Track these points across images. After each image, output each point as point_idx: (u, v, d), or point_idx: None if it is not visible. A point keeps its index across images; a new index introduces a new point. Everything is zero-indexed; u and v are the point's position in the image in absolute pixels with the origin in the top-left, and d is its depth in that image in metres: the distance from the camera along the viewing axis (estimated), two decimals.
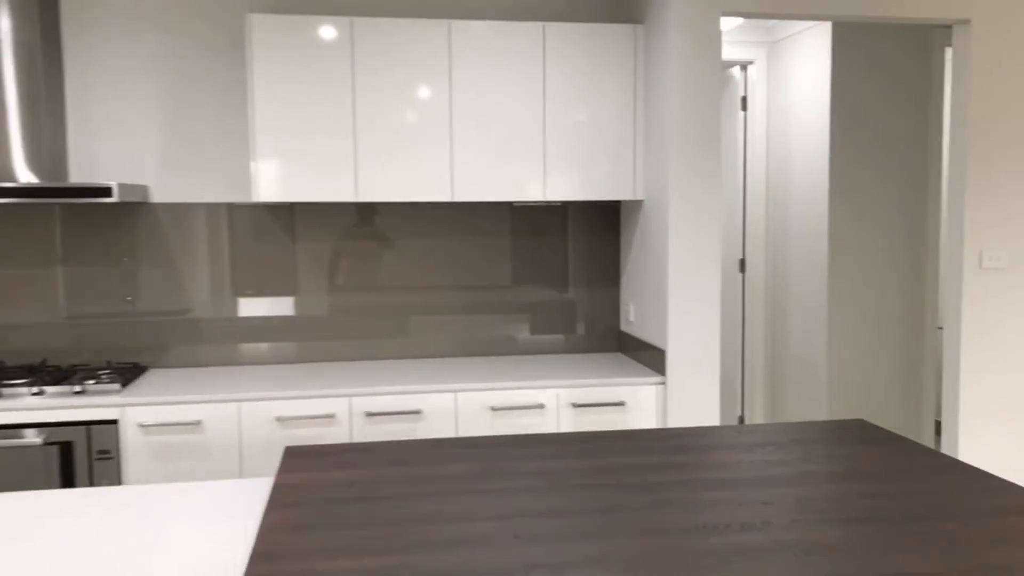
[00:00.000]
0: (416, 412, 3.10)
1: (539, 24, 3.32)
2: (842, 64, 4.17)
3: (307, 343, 3.60)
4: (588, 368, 3.42)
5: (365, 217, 3.61)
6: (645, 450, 2.04)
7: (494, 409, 3.14)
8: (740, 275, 4.92)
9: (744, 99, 4.80)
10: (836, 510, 1.63)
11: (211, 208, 3.50)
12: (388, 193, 3.26)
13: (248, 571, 1.39)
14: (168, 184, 3.48)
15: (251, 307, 3.55)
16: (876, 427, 2.25)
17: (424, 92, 3.26)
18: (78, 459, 2.95)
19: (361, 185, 3.24)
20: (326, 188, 3.22)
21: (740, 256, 4.91)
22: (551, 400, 3.18)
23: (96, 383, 3.07)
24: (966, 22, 3.36)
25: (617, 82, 3.39)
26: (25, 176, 3.16)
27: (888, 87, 4.20)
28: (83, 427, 2.95)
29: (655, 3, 3.29)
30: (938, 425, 4.62)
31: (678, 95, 3.16)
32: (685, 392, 3.23)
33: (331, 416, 3.05)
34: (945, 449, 3.55)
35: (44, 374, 3.20)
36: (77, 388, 3.03)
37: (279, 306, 3.57)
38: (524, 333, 3.75)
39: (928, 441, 4.39)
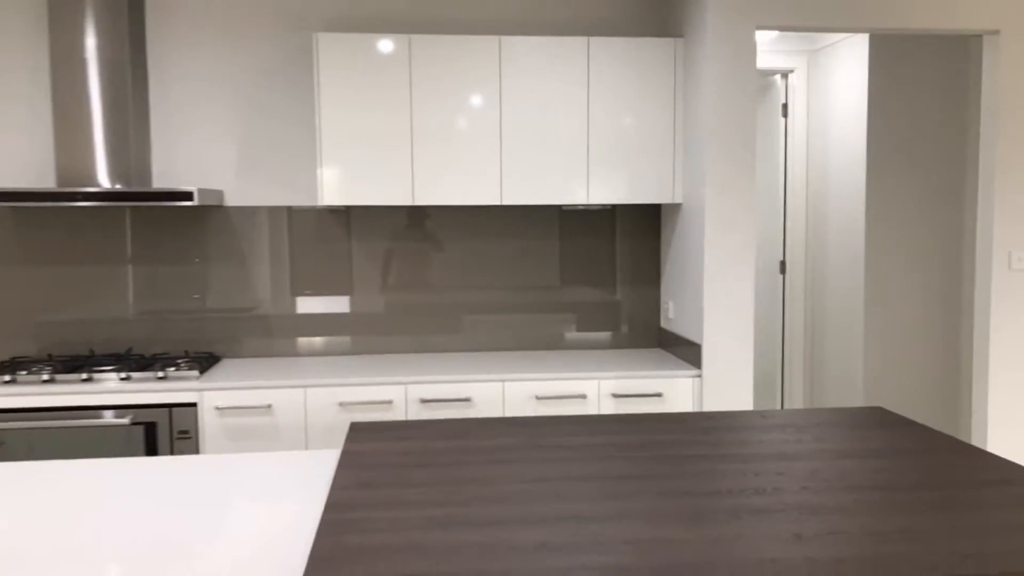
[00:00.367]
0: (466, 399, 3.34)
1: (584, 39, 3.55)
2: (879, 72, 4.30)
3: (364, 337, 3.87)
4: (628, 362, 3.62)
5: (417, 220, 3.87)
6: (675, 429, 2.24)
7: (539, 398, 3.37)
8: (780, 276, 5.07)
9: (785, 106, 4.96)
10: (842, 480, 1.82)
11: (275, 211, 3.79)
12: (442, 197, 3.51)
13: (323, 518, 1.63)
14: (240, 188, 3.78)
15: (312, 304, 3.83)
16: (893, 414, 2.42)
17: (476, 102, 3.51)
18: (161, 438, 3.24)
19: (417, 189, 3.50)
20: (385, 192, 3.49)
21: (780, 258, 5.06)
22: (592, 390, 3.39)
23: (176, 370, 3.37)
24: (995, 32, 3.49)
25: (658, 92, 3.60)
26: (106, 182, 3.48)
27: (925, 94, 4.33)
28: (165, 409, 3.25)
29: (694, 18, 3.48)
30: None
31: (714, 105, 3.36)
32: (720, 384, 3.42)
33: (388, 402, 3.31)
34: (974, 442, 3.67)
35: (130, 361, 3.51)
36: (160, 374, 3.33)
37: (337, 303, 3.85)
38: (569, 330, 3.97)
39: (964, 438, 4.49)
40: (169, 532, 1.70)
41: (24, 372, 3.32)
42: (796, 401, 5.01)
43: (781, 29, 3.44)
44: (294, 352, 3.85)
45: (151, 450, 3.25)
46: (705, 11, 3.35)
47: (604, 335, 3.99)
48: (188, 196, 3.31)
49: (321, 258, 3.84)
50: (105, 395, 3.23)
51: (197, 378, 3.33)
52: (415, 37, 3.46)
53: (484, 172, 3.53)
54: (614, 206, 3.96)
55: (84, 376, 3.31)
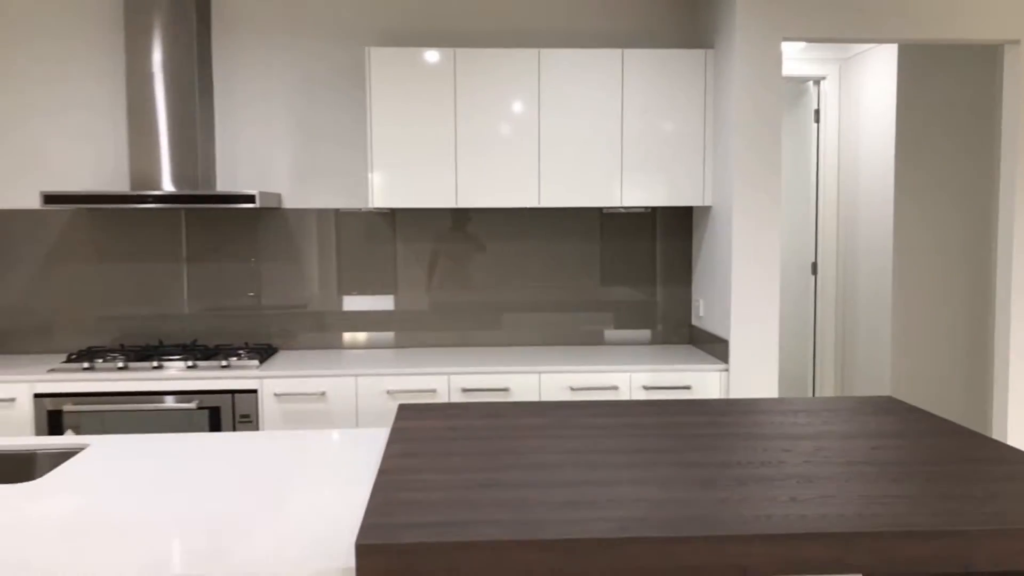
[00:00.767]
0: (505, 389, 3.57)
1: (619, 51, 3.76)
2: (908, 80, 4.44)
3: (408, 332, 4.12)
4: (660, 357, 3.82)
5: (460, 222, 4.11)
6: (695, 412, 2.44)
7: (573, 389, 3.58)
8: (812, 277, 5.22)
9: (817, 112, 5.11)
10: (842, 456, 2.01)
11: (323, 214, 4.06)
12: (483, 200, 3.74)
13: (377, 479, 1.86)
14: (295, 192, 4.06)
15: (358, 302, 4.09)
16: (903, 403, 2.58)
17: (516, 111, 3.74)
18: (224, 421, 3.52)
19: (460, 192, 3.74)
20: (431, 195, 3.73)
21: (812, 259, 5.21)
22: (624, 382, 3.59)
23: (238, 359, 3.65)
24: (1016, 42, 3.62)
25: (689, 100, 3.79)
26: (169, 186, 3.77)
27: (954, 102, 4.46)
28: (228, 395, 3.52)
29: (723, 30, 3.68)
30: None
31: (742, 112, 3.54)
32: (746, 378, 3.60)
33: (432, 391, 3.55)
34: (995, 436, 3.80)
35: (195, 351, 3.80)
36: (223, 363, 3.61)
37: (383, 301, 4.10)
38: (606, 327, 4.17)
39: (990, 434, 4.59)
40: (248, 489, 1.95)
41: (100, 360, 3.63)
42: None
43: (806, 40, 3.61)
44: (343, 346, 4.11)
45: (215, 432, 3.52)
46: (733, 23, 3.54)
47: (639, 332, 4.19)
48: (251, 199, 3.59)
49: (368, 259, 4.10)
50: (173, 382, 3.51)
51: (257, 367, 3.61)
52: (459, 50, 3.70)
53: (523, 176, 3.76)
54: (654, 209, 4.16)
55: (154, 364, 3.60)
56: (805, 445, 2.10)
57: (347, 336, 4.11)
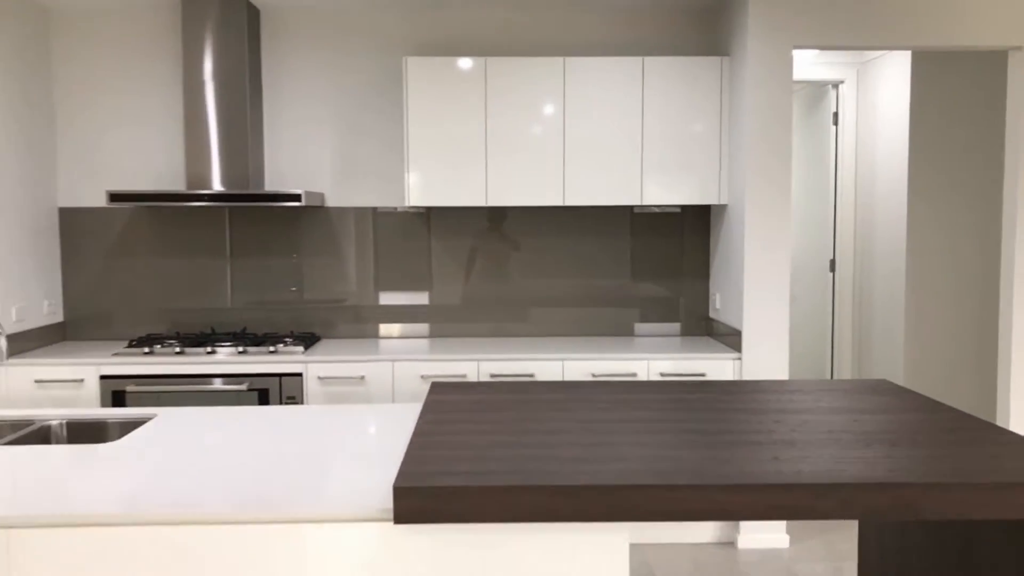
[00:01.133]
0: (530, 375, 3.83)
1: (639, 58, 4.00)
2: (921, 85, 4.63)
3: (441, 324, 4.40)
4: (678, 347, 4.05)
5: (494, 220, 4.38)
6: (700, 391, 2.68)
7: (594, 375, 3.83)
8: (830, 274, 5.40)
9: (835, 115, 5.30)
10: (825, 427, 2.24)
11: (361, 212, 4.36)
12: (511, 198, 4.01)
13: (411, 442, 2.13)
14: (336, 192, 4.36)
15: (394, 297, 4.38)
16: (897, 385, 2.80)
17: (542, 115, 4.00)
18: (272, 402, 3.82)
19: (490, 192, 4.01)
20: (462, 194, 4.01)
21: (831, 257, 5.40)
22: (643, 369, 3.83)
23: (284, 346, 3.95)
24: (1019, 48, 3.80)
25: (706, 105, 4.02)
26: (218, 186, 4.08)
27: (967, 104, 4.63)
28: (276, 378, 3.82)
29: (738, 39, 3.90)
30: None
31: (755, 116, 3.77)
32: (758, 366, 3.82)
33: (463, 375, 3.82)
34: (999, 424, 3.97)
35: (245, 339, 4.11)
36: (271, 349, 3.91)
37: (417, 297, 4.39)
38: (630, 320, 4.42)
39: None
40: (299, 453, 2.23)
41: (159, 346, 3.95)
42: None
43: (817, 48, 3.82)
44: (380, 335, 4.40)
45: None
46: (747, 33, 3.76)
47: (659, 325, 4.43)
48: (297, 198, 3.89)
49: (404, 256, 4.38)
50: (225, 365, 3.82)
51: (302, 353, 3.90)
52: (490, 59, 3.97)
53: (549, 176, 4.01)
54: (683, 208, 4.40)
55: (208, 350, 3.91)
56: (794, 418, 2.34)
57: (383, 327, 4.40)
